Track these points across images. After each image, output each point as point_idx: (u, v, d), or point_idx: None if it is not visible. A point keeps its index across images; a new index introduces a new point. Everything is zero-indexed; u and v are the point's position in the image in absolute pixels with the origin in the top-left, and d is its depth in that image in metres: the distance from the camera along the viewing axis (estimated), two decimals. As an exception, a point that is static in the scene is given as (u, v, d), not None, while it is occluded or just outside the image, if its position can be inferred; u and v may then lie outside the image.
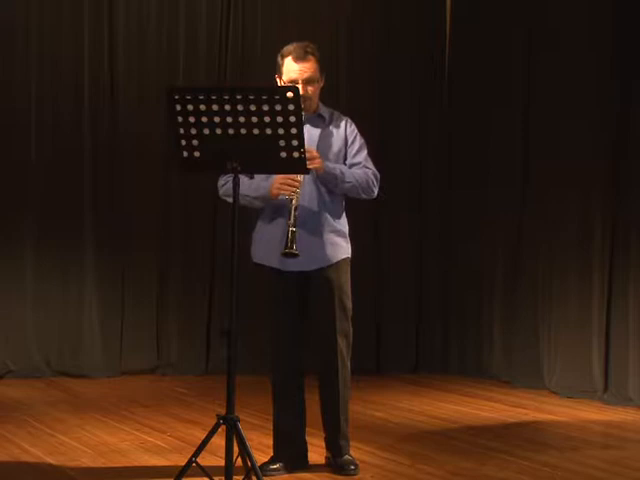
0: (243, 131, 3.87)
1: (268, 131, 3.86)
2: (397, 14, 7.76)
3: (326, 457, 4.71)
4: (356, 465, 4.62)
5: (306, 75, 4.52)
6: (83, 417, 5.70)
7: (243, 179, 4.33)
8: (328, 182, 4.55)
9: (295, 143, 3.88)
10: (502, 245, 7.45)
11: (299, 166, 3.98)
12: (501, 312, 7.46)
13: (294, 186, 4.36)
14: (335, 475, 4.58)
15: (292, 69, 4.52)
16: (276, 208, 4.50)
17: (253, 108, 3.83)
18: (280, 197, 4.43)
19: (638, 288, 6.51)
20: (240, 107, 3.83)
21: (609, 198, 6.72)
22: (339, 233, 4.63)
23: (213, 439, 3.89)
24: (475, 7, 7.72)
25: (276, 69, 4.59)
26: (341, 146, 4.65)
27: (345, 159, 4.66)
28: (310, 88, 4.53)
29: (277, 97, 3.81)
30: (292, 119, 3.84)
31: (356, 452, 4.77)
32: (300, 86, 4.46)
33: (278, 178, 4.41)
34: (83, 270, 7.09)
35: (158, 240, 7.32)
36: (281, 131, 3.86)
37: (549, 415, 6.20)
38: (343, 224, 4.68)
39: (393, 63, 7.68)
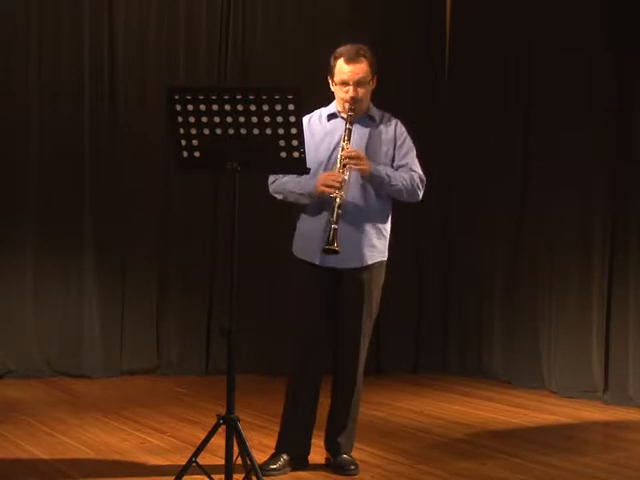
0: (243, 131, 3.87)
1: (268, 131, 3.86)
2: (397, 14, 7.76)
3: (326, 458, 4.72)
4: (356, 465, 4.62)
5: (357, 77, 4.53)
6: (83, 417, 5.69)
7: (292, 176, 4.48)
8: (375, 184, 4.54)
9: (295, 143, 3.88)
10: (502, 245, 7.45)
11: (299, 166, 3.99)
12: (501, 312, 7.46)
13: (335, 187, 4.37)
14: (335, 475, 4.59)
15: (343, 71, 4.54)
16: (318, 204, 4.51)
17: (253, 108, 3.84)
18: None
19: (638, 288, 6.51)
20: (240, 107, 3.84)
21: (609, 198, 6.73)
22: (380, 236, 4.63)
23: (213, 439, 3.90)
24: (475, 7, 7.72)
25: (328, 70, 4.61)
26: (390, 147, 4.64)
27: (393, 160, 4.65)
28: (361, 90, 4.54)
29: (277, 97, 3.82)
30: (292, 119, 3.85)
31: (356, 452, 4.76)
32: (351, 88, 4.51)
33: (321, 178, 4.43)
34: (83, 270, 7.08)
35: (158, 240, 7.31)
36: (281, 131, 3.87)
37: (549, 415, 6.20)
38: (386, 227, 4.68)
39: (393, 63, 7.66)
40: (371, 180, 4.53)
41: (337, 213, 4.34)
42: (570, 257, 6.91)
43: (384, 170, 4.56)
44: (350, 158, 4.43)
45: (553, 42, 7.07)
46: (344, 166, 4.42)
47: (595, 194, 6.80)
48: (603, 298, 6.70)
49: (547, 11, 7.10)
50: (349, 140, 4.47)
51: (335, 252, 4.33)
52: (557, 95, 7.02)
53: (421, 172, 4.66)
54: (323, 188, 4.42)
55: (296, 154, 3.91)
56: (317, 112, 4.70)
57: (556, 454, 5.10)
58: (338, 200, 4.37)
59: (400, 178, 4.58)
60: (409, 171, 4.62)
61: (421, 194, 4.67)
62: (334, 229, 4.32)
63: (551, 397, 6.81)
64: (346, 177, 4.41)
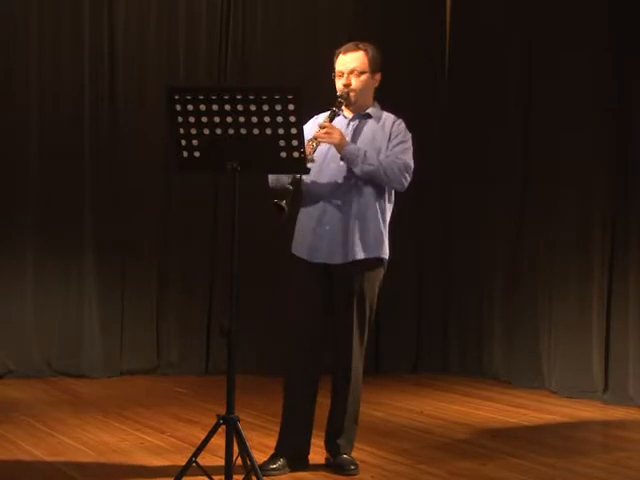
0: (243, 131, 3.87)
1: (268, 131, 3.86)
2: (397, 14, 7.76)
3: (326, 458, 4.71)
4: (356, 465, 4.62)
5: (351, 65, 4.54)
6: (83, 417, 5.69)
7: None
8: (349, 161, 4.49)
9: (295, 143, 3.89)
10: (502, 245, 7.45)
11: (299, 166, 3.99)
12: (501, 312, 7.46)
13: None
14: (335, 475, 4.58)
15: (340, 61, 4.58)
16: (311, 201, 4.52)
17: (253, 108, 3.84)
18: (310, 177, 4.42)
19: (638, 288, 6.51)
20: (240, 107, 3.84)
21: (609, 198, 6.73)
22: (372, 232, 4.59)
23: (213, 439, 3.89)
24: (475, 7, 7.73)
25: (333, 71, 4.63)
26: (382, 143, 4.59)
27: None
28: (355, 79, 4.54)
29: (277, 97, 3.82)
30: (292, 119, 3.85)
31: (356, 452, 4.76)
32: (345, 76, 4.53)
33: None
34: (83, 270, 7.08)
35: (158, 240, 7.31)
36: (281, 131, 3.87)
37: (549, 415, 6.20)
38: (380, 223, 4.62)
39: (393, 63, 7.63)
40: (345, 155, 4.48)
41: (295, 176, 4.31)
42: (570, 257, 6.91)
43: (363, 149, 4.52)
44: (321, 131, 4.40)
45: (553, 42, 7.07)
46: (315, 139, 4.38)
47: (595, 194, 6.80)
48: (603, 298, 6.70)
49: (547, 11, 7.10)
50: (331, 122, 4.47)
51: (280, 208, 4.23)
52: (557, 95, 7.02)
53: (409, 161, 4.58)
54: None
55: (296, 154, 3.91)
56: (324, 113, 4.70)
57: (556, 454, 5.10)
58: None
59: (379, 159, 4.52)
60: (393, 157, 4.56)
61: (406, 182, 4.57)
62: (287, 188, 4.28)
63: (551, 397, 6.81)
64: (314, 147, 4.36)
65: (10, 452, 4.83)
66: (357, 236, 4.56)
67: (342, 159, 4.52)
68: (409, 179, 4.59)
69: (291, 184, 4.31)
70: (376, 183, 4.56)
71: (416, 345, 7.83)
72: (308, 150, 4.29)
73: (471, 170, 7.68)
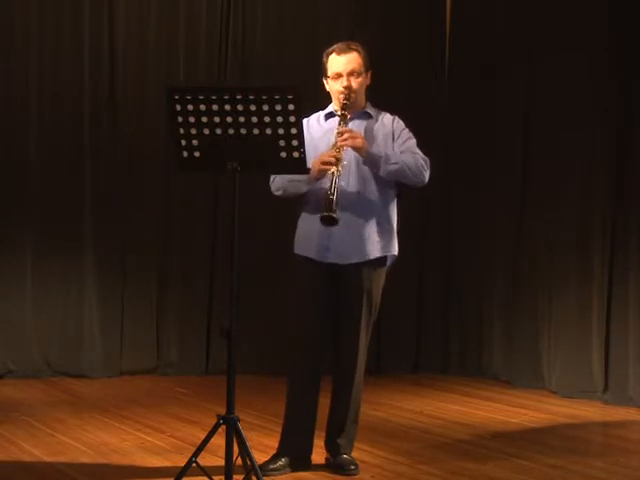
0: (243, 131, 3.88)
1: (268, 131, 3.86)
2: (397, 14, 7.76)
3: (326, 458, 4.71)
4: (356, 465, 4.62)
5: (350, 67, 4.54)
6: (83, 417, 5.69)
7: None
8: (372, 164, 4.51)
9: (295, 143, 3.89)
10: (502, 245, 7.45)
11: (299, 166, 3.98)
12: (501, 312, 7.46)
13: (331, 162, 4.34)
14: (335, 475, 4.58)
15: (336, 62, 4.57)
16: (318, 199, 4.49)
17: (253, 108, 3.84)
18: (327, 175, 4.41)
19: (638, 288, 6.51)
20: (240, 107, 3.84)
21: (609, 198, 6.73)
22: (383, 229, 4.59)
23: (213, 439, 3.89)
24: (475, 7, 7.73)
25: (322, 71, 4.63)
26: (387, 140, 4.61)
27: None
28: (355, 80, 4.55)
29: (277, 97, 3.82)
30: (292, 119, 3.85)
31: (356, 452, 4.76)
32: (344, 78, 4.53)
33: (316, 159, 4.40)
34: (83, 270, 7.07)
35: (158, 240, 7.31)
36: (281, 131, 3.87)
37: (549, 415, 6.20)
38: (390, 221, 4.63)
39: (393, 63, 7.67)
40: (368, 158, 4.49)
41: (334, 185, 4.30)
42: (570, 257, 6.91)
43: (383, 151, 4.54)
44: (343, 136, 4.41)
45: (553, 42, 7.07)
46: (339, 147, 4.40)
47: (595, 194, 6.80)
48: (603, 298, 6.70)
49: (547, 11, 7.11)
50: (345, 125, 4.48)
51: (333, 220, 4.27)
52: (557, 95, 7.02)
53: (424, 155, 4.62)
54: (320, 166, 4.39)
55: (296, 154, 3.91)
56: (315, 115, 4.71)
57: (556, 454, 5.10)
58: (335, 173, 4.33)
59: (400, 157, 4.54)
60: (411, 153, 4.58)
61: (427, 176, 4.62)
62: (330, 199, 4.28)
63: (551, 397, 6.81)
64: (341, 155, 4.38)
65: (10, 452, 4.83)
66: (369, 235, 4.56)
67: (364, 163, 4.52)
68: (428, 173, 4.62)
69: (333, 193, 4.29)
70: (397, 182, 4.59)
71: (416, 345, 7.83)
72: (335, 154, 4.33)
73: (471, 170, 7.68)
